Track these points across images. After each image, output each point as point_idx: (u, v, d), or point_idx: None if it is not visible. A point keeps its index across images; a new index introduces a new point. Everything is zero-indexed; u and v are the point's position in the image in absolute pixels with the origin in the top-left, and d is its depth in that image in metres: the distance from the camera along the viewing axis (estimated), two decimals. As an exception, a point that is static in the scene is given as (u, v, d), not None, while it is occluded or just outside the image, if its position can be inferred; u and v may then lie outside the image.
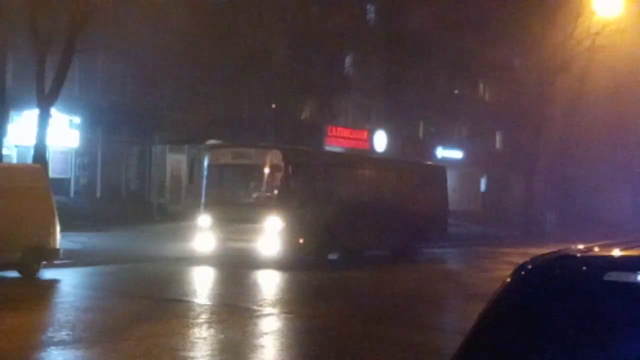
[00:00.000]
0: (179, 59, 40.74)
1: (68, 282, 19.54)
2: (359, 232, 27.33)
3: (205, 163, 27.19)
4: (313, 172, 26.69)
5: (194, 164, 29.23)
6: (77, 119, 34.79)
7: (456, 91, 61.05)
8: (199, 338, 13.76)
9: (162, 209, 40.97)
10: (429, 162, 45.73)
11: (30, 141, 28.94)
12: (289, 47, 46.09)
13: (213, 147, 29.38)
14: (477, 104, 60.61)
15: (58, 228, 21.03)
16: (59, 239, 20.20)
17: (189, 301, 18.05)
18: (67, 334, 13.67)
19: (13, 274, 19.49)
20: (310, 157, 28.18)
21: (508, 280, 5.33)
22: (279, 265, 24.22)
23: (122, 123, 38.66)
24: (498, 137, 61.97)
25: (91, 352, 12.91)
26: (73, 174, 36.84)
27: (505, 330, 5.22)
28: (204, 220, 25.44)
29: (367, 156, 40.80)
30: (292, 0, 44.80)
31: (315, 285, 21.55)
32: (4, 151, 29.14)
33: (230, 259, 24.64)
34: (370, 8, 52.08)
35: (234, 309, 16.92)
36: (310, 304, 18.35)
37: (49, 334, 13.69)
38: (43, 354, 12.50)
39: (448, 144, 60.91)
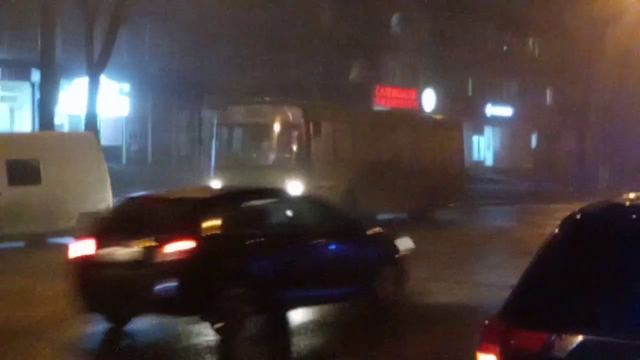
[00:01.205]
0: (226, 24, 40.62)
1: None
2: (377, 193, 25.37)
3: (215, 123, 25.17)
4: (335, 131, 24.74)
5: (202, 124, 26.19)
6: (126, 87, 35.36)
7: (505, 47, 60.58)
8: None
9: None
10: (444, 117, 43.64)
11: (81, 110, 29.51)
12: (335, 7, 45.83)
13: (223, 105, 26.69)
14: (527, 59, 60.30)
15: (111, 195, 21.36)
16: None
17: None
18: None
19: (68, 240, 19.82)
20: (333, 113, 26.28)
21: (557, 230, 5.31)
22: None
23: (171, 89, 39.10)
24: (548, 93, 61.38)
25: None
26: (124, 141, 37.28)
27: (554, 276, 5.25)
28: (215, 184, 22.55)
29: (386, 111, 38.44)
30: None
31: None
32: (56, 120, 29.63)
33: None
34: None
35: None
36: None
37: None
38: (99, 316, 12.75)
39: (497, 101, 60.39)
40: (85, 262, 10.78)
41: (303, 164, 23.09)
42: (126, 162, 35.74)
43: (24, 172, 21.25)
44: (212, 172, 24.24)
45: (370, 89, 46.46)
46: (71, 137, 25.17)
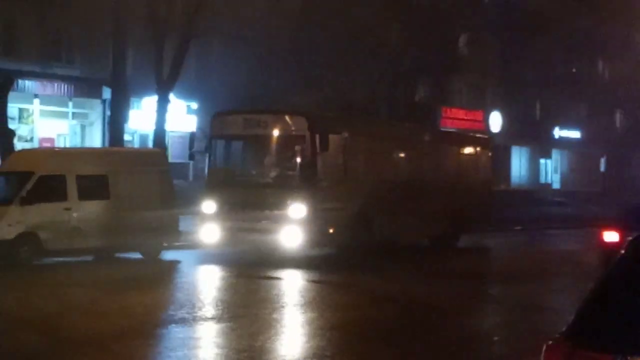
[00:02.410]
0: (293, 42, 40.59)
1: (188, 263, 20.28)
2: (397, 217, 22.63)
3: (209, 134, 22.25)
4: (346, 145, 21.50)
5: (194, 136, 24.29)
6: (194, 105, 35.85)
7: (574, 69, 59.63)
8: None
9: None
10: (474, 134, 39.63)
11: (150, 127, 30.10)
12: (402, 27, 44.88)
13: (219, 113, 23.30)
14: (596, 82, 59.76)
15: (178, 211, 21.88)
16: (179, 222, 20.71)
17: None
18: (188, 312, 13.99)
19: (136, 255, 20.20)
20: (343, 124, 22.69)
21: (623, 251, 5.36)
22: (306, 263, 20.10)
23: (238, 107, 39.46)
24: (618, 116, 60.61)
25: (210, 329, 13.22)
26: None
27: (621, 296, 5.26)
28: (207, 206, 20.78)
29: (406, 125, 33.72)
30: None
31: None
32: (126, 137, 30.25)
33: (240, 255, 21.12)
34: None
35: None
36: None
37: (170, 312, 14.14)
38: (164, 331, 12.83)
39: (565, 123, 60.10)
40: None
41: (309, 182, 20.17)
42: (193, 179, 36.30)
43: (93, 187, 21.52)
44: (204, 189, 21.88)
45: (436, 110, 46.07)
46: (140, 154, 25.75)
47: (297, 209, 19.48)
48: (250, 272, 18.81)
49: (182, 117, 35.28)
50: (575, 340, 5.19)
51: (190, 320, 13.60)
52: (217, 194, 20.66)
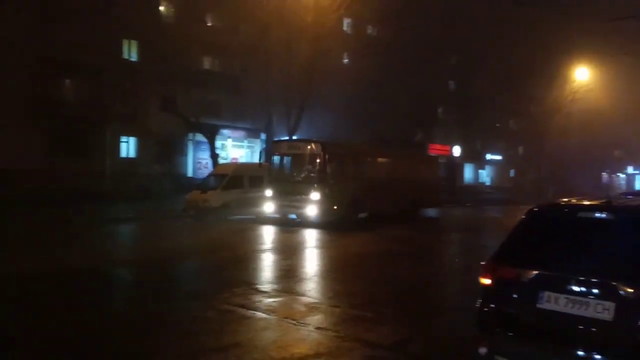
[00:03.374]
0: (356, 105, 38.64)
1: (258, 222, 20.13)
2: (378, 200, 21.03)
3: (272, 152, 21.58)
4: (342, 159, 19.94)
5: (262, 153, 21.64)
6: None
7: (498, 125, 58.48)
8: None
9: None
10: (425, 152, 38.50)
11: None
12: (409, 104, 42.26)
13: (275, 142, 22.96)
14: (509, 132, 59.69)
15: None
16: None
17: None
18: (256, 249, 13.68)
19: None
20: (340, 148, 20.73)
21: (523, 216, 4.72)
22: (320, 225, 19.58)
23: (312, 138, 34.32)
24: (520, 148, 61.80)
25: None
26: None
27: (522, 238, 4.62)
28: (269, 192, 19.88)
29: (380, 146, 29.72)
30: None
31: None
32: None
33: (285, 220, 20.34)
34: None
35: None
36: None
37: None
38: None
39: (493, 152, 59.69)
40: None
41: (322, 180, 18.87)
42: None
43: (254, 183, 20.93)
44: (268, 183, 20.56)
45: (425, 145, 44.07)
46: (262, 165, 22.17)
47: (315, 195, 19.13)
48: (290, 227, 18.91)
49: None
50: (497, 260, 4.59)
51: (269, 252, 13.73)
52: (274, 185, 20.08)
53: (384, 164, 23.26)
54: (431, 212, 26.16)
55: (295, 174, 20.30)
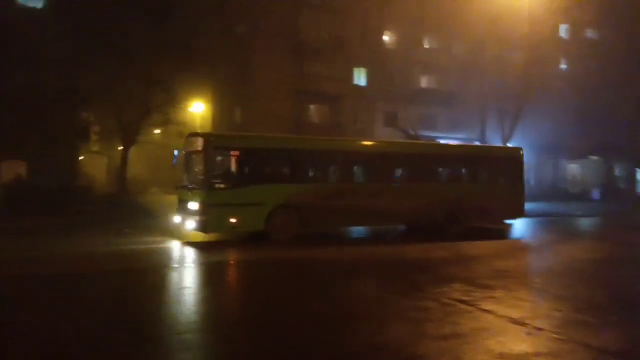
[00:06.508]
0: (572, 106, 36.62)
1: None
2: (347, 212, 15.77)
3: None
4: (251, 157, 14.43)
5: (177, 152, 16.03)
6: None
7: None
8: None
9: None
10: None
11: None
12: None
13: (187, 135, 16.02)
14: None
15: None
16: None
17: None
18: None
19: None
20: (233, 141, 14.82)
21: None
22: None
23: (544, 149, 37.08)
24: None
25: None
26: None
27: None
28: (177, 201, 15.93)
29: (292, 138, 19.08)
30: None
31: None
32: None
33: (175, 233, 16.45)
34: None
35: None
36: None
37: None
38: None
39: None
40: None
41: (206, 185, 13.78)
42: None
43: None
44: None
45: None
46: None
47: (194, 205, 14.00)
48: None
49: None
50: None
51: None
52: (179, 192, 15.73)
53: (294, 159, 15.90)
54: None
55: (189, 177, 15.91)
